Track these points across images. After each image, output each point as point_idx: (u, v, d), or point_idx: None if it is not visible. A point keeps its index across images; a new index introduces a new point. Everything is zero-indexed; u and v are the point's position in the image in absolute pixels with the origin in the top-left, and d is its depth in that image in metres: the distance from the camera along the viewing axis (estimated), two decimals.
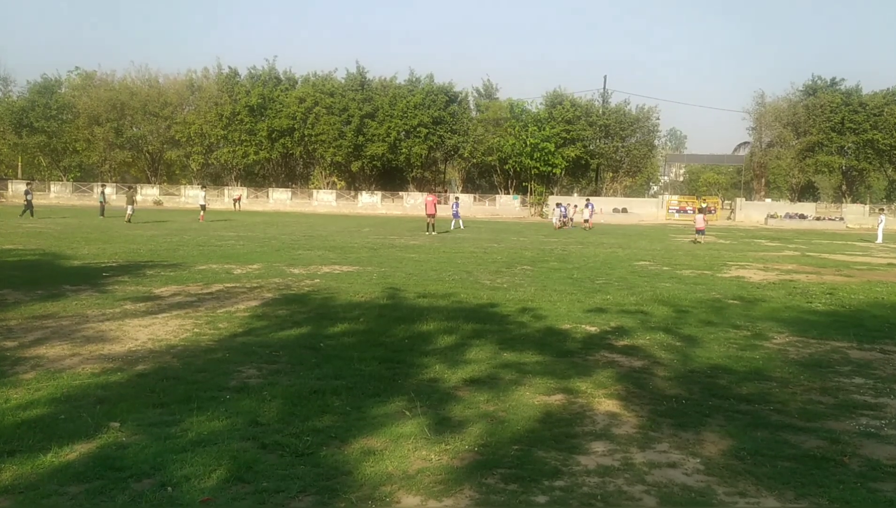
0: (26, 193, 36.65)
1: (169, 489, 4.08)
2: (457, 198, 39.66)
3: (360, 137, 60.90)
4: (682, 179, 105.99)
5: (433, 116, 60.46)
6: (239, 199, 57.69)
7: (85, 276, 13.21)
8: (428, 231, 30.40)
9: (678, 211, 58.71)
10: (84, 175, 70.29)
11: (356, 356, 7.39)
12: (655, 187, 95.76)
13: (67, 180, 66.41)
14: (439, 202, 39.64)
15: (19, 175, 70.11)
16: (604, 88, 65.86)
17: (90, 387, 6.05)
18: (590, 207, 42.01)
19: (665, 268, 17.64)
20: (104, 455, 4.52)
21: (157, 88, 66.14)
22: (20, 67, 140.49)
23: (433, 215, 31.36)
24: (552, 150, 58.64)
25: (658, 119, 64.05)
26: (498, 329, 9.09)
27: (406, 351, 7.71)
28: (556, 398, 6.14)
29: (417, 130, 60.40)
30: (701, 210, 35.85)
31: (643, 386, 6.59)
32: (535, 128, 58.98)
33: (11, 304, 10.03)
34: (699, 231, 29.59)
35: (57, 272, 13.73)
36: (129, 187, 39.55)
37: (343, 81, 63.43)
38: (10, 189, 63.15)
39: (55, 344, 7.65)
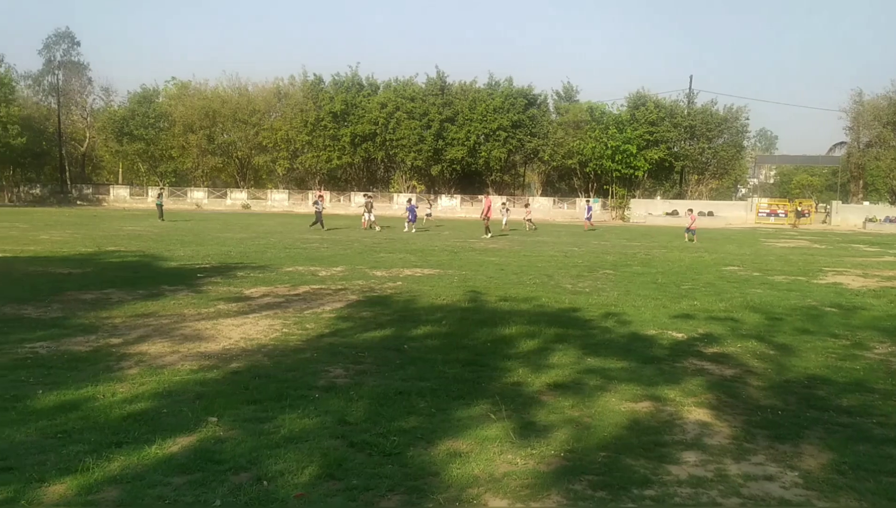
0: (315, 203, 36.29)
1: (265, 483, 4.23)
2: (409, 200, 38.30)
3: (440, 142, 61.30)
4: (772, 181, 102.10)
5: (512, 120, 60.25)
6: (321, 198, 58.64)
7: (181, 277, 13.82)
8: (486, 234, 30.65)
9: (769, 214, 56.57)
10: (178, 180, 73.43)
11: (439, 358, 7.47)
12: (744, 190, 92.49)
13: (164, 185, 69.55)
14: (509, 207, 40.81)
15: (120, 181, 73.95)
16: (689, 88, 63.88)
17: (189, 383, 6.33)
18: (589, 209, 41.91)
19: (756, 273, 17.03)
20: (204, 449, 4.73)
21: (247, 95, 68.40)
22: (121, 78, 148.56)
23: (488, 218, 31.71)
24: (634, 152, 57.48)
25: (747, 119, 61.83)
26: (581, 334, 9.00)
27: (489, 354, 7.74)
28: (644, 406, 6.03)
29: (497, 133, 60.33)
30: (690, 210, 35.33)
31: (736, 396, 6.39)
32: (616, 130, 57.97)
33: (116, 303, 10.60)
34: (690, 230, 31.04)
35: (156, 273, 14.42)
36: (369, 197, 39.80)
37: (423, 85, 64.00)
38: (111, 194, 66.63)
39: (156, 342, 8.05)
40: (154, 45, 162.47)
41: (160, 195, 41.57)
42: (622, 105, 61.98)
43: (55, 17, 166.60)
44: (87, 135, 71.76)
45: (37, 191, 67.54)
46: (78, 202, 64.24)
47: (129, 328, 8.82)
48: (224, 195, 66.79)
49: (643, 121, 58.59)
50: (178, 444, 4.81)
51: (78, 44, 71.06)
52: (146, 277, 13.66)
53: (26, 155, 64.83)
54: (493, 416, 5.56)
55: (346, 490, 4.19)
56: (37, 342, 7.80)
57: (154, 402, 5.73)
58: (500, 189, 64.30)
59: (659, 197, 62.01)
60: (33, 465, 4.37)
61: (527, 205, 42.66)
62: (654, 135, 58.49)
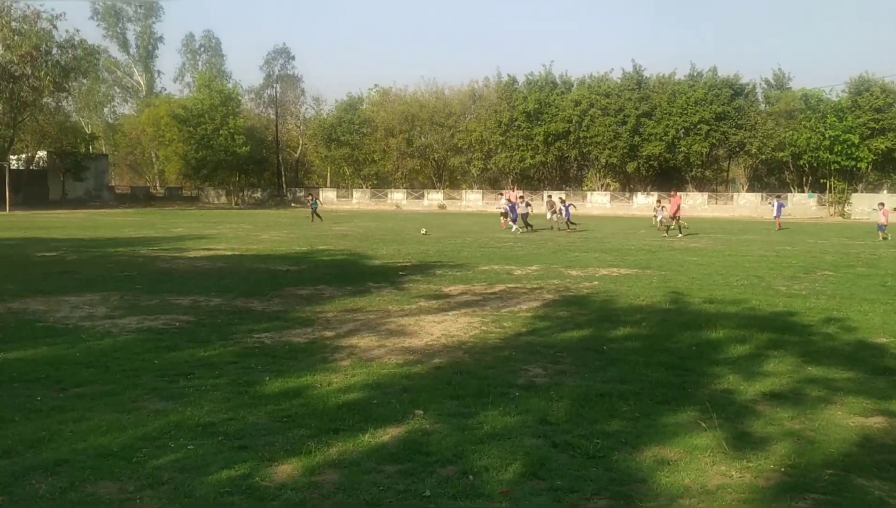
0: (524, 201, 32.36)
1: (470, 477, 4.33)
2: (521, 197, 33.45)
3: (636, 138, 59.47)
4: None
5: (715, 112, 56.95)
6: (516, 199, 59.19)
7: (384, 274, 14.57)
8: (672, 232, 28.99)
9: None
10: (379, 183, 77.60)
11: (641, 360, 7.24)
12: None
13: (366, 188, 73.84)
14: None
15: (328, 184, 79.59)
16: None
17: (396, 376, 6.65)
18: (780, 206, 37.43)
19: None
20: (412, 440, 4.94)
21: (443, 99, 70.81)
22: (329, 88, 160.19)
23: (678, 218, 29.89)
24: (857, 142, 52.03)
25: None
26: (798, 340, 8.31)
27: (694, 359, 7.38)
28: (876, 421, 5.44)
29: (698, 126, 57.34)
30: (881, 204, 30.27)
31: None
32: (835, 119, 52.80)
33: (328, 298, 11.40)
34: (882, 226, 27.97)
35: (361, 271, 15.33)
36: (549, 197, 37.55)
37: (619, 81, 62.45)
38: (320, 197, 71.79)
39: (365, 336, 8.55)
40: (358, 54, 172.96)
41: (314, 200, 42.76)
42: (842, 91, 56.40)
43: (272, 35, 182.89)
44: (300, 142, 78.09)
45: (258, 195, 74.75)
46: (292, 205, 69.95)
47: (340, 322, 9.44)
48: (421, 196, 69.51)
49: (867, 108, 52.86)
50: (388, 434, 5.06)
51: (293, 58, 77.75)
52: (353, 274, 14.56)
53: (249, 162, 71.82)
54: (703, 424, 5.28)
55: (550, 490, 4.17)
56: (262, 333, 8.59)
57: (365, 393, 6.08)
58: (701, 185, 61.19)
59: (885, 191, 55.69)
60: (264, 445, 4.80)
61: (658, 201, 38.07)
62: (881, 123, 52.54)
